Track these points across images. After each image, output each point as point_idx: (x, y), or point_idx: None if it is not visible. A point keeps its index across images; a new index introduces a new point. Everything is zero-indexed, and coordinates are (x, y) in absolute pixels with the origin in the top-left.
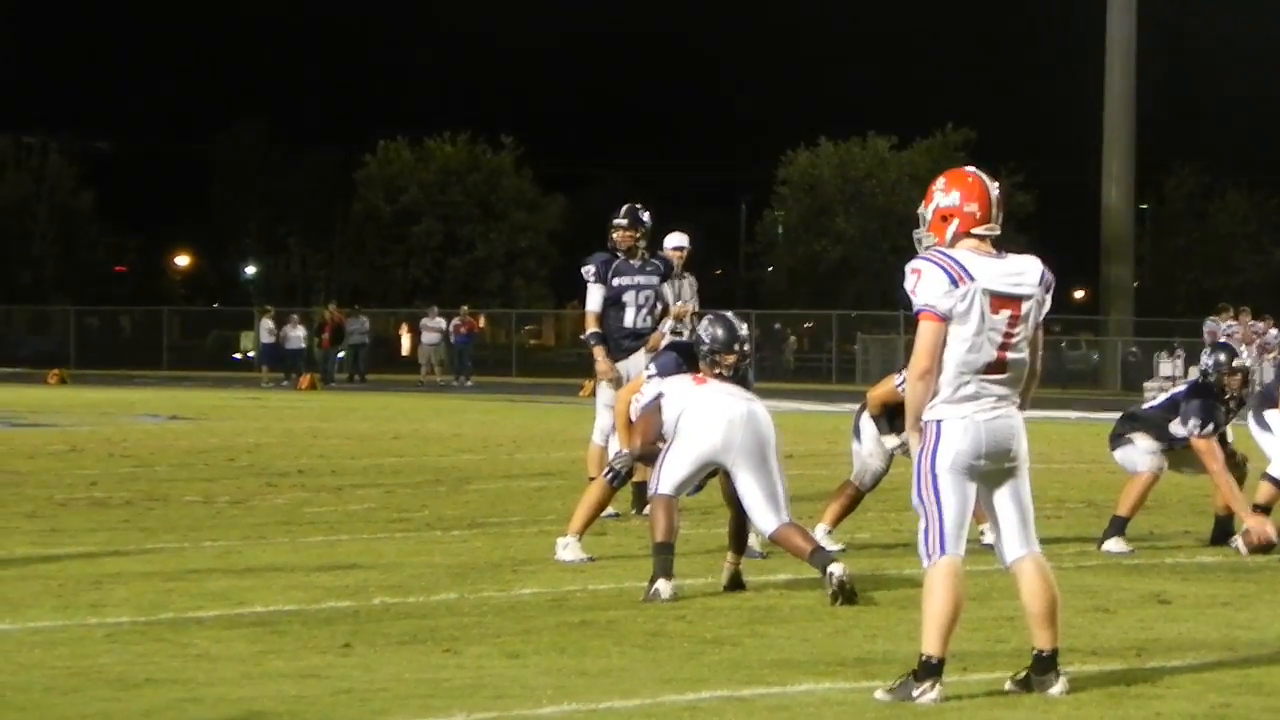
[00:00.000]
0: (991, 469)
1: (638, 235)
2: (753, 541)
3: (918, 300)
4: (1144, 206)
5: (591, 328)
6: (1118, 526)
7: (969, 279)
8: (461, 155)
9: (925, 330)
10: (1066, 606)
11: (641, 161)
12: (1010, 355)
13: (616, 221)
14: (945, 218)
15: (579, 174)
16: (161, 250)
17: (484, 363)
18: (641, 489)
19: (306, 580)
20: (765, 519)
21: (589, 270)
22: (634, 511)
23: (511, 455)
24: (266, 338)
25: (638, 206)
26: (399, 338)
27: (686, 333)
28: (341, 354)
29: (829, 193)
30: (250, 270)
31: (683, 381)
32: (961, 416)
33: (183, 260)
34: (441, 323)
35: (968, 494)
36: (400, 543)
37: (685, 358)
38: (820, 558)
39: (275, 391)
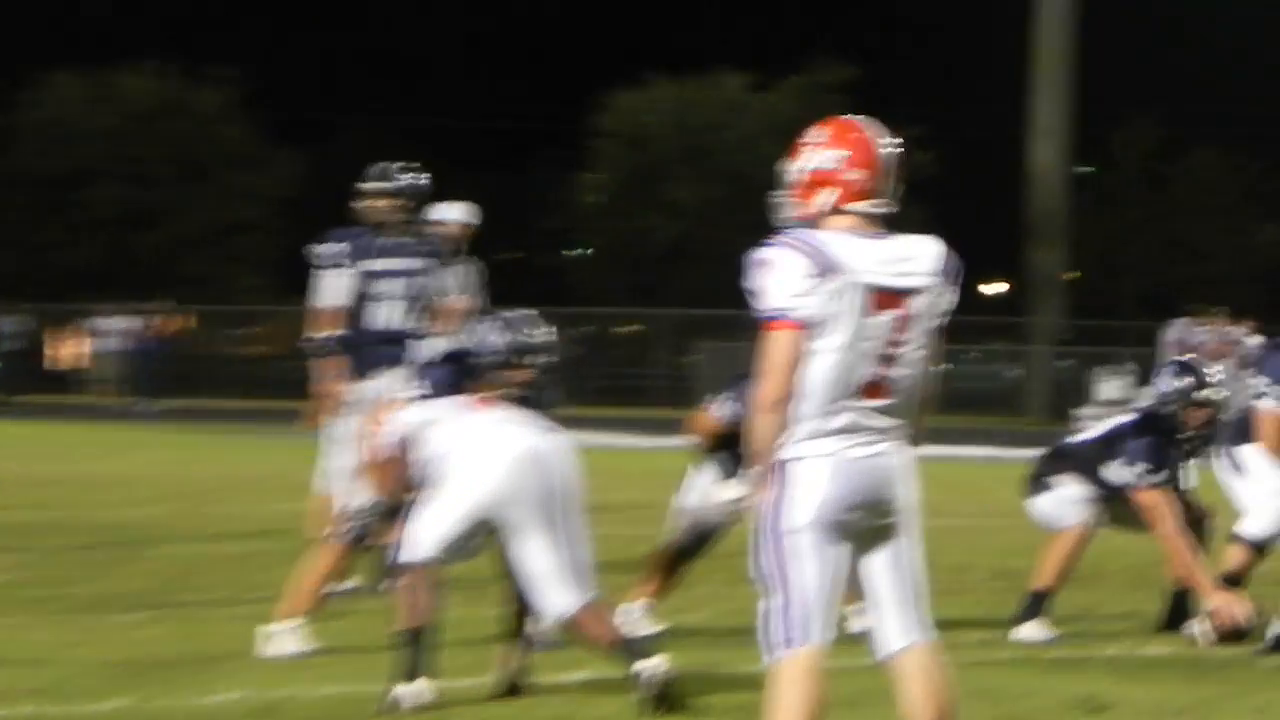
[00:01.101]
0: (866, 526)
1: (400, 205)
2: (540, 627)
3: (767, 302)
4: (1085, 170)
5: (325, 329)
6: (1036, 605)
7: (839, 271)
8: (154, 92)
9: (777, 343)
10: (967, 717)
11: (403, 105)
12: (896, 372)
13: (369, 186)
14: (817, 183)
15: (318, 121)
16: None
17: (182, 379)
18: (388, 554)
19: None
20: (558, 595)
21: (328, 251)
22: (378, 585)
23: (211, 508)
24: None
25: (400, 166)
26: (62, 344)
27: (467, 338)
28: None
29: (663, 149)
30: None
31: (453, 406)
32: (826, 454)
33: None
34: (122, 323)
35: (834, 560)
36: (54, 629)
37: (463, 372)
38: (631, 649)
39: None
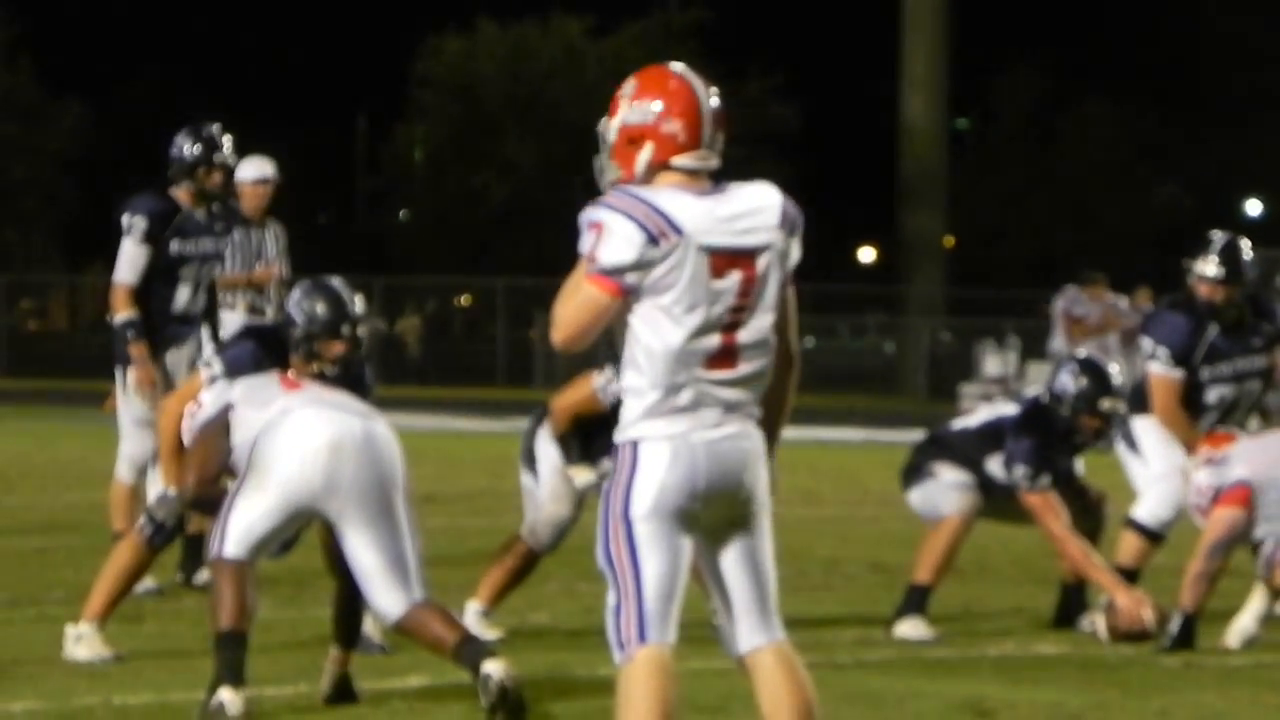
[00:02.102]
0: (714, 515)
1: (227, 179)
2: (369, 629)
3: (598, 265)
4: (962, 124)
5: (125, 311)
6: (916, 600)
7: (675, 233)
8: None
9: (590, 298)
10: None
11: (199, 49)
12: (744, 339)
13: (188, 152)
14: (633, 139)
15: (103, 70)
16: None
17: None
18: (197, 549)
19: None
20: (387, 595)
21: (137, 222)
22: (183, 581)
23: None
24: None
25: (215, 128)
26: None
27: (270, 310)
28: None
29: (494, 100)
30: None
31: (263, 385)
32: (670, 435)
33: None
34: None
35: (678, 551)
36: None
37: (268, 348)
38: (471, 653)
39: None
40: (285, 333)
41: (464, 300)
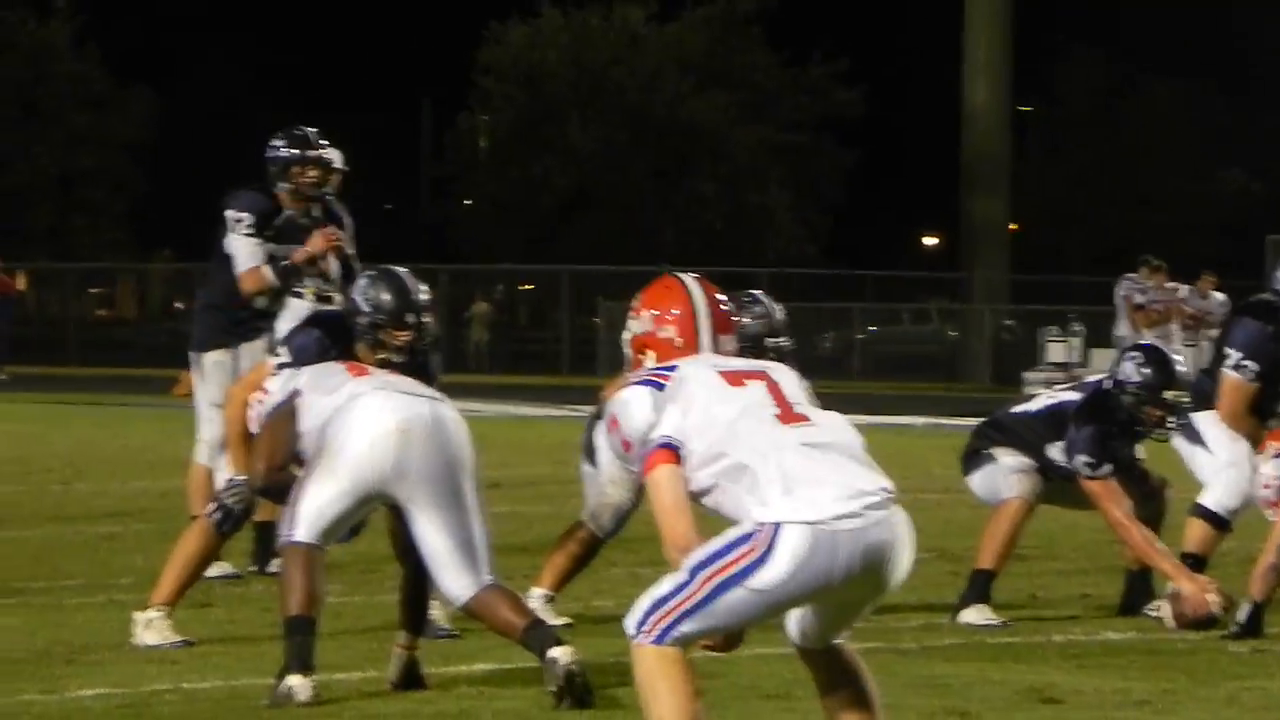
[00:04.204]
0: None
1: (318, 176)
2: (437, 614)
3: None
4: (1026, 109)
5: (265, 280)
6: (980, 586)
7: None
8: None
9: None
10: (910, 708)
11: (264, 38)
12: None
13: (283, 152)
14: (640, 349)
15: (170, 57)
16: None
17: (26, 345)
18: (267, 536)
19: None
20: (456, 579)
21: (244, 218)
22: (255, 568)
23: (67, 485)
24: None
25: (310, 130)
26: None
27: (336, 296)
28: None
29: (556, 88)
30: None
31: (330, 373)
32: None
33: None
34: None
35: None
36: None
37: (335, 336)
38: (538, 638)
39: None
40: (351, 320)
41: (527, 287)
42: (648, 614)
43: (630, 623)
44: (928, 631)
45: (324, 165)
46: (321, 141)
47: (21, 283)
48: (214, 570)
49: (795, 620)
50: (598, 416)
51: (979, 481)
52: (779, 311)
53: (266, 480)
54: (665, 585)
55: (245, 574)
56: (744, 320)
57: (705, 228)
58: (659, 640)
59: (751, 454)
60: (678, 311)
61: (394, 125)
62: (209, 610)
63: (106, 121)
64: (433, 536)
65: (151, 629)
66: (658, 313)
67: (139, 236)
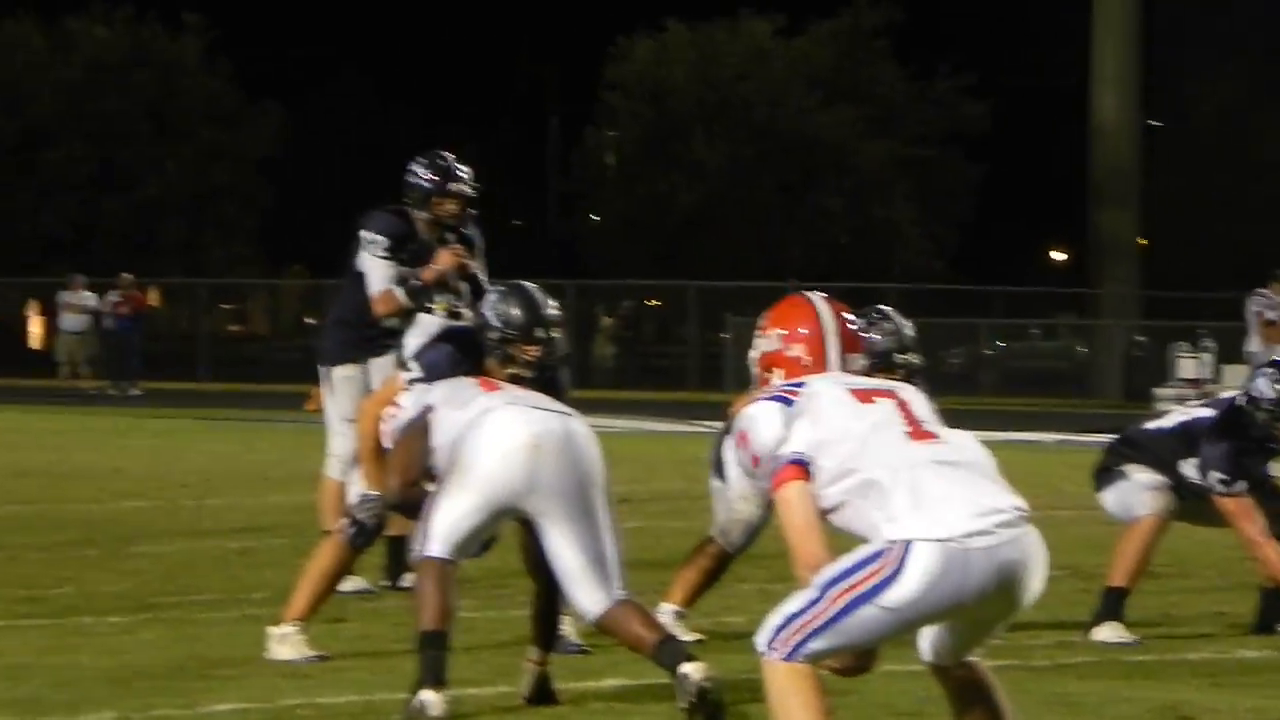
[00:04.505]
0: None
1: (457, 208)
2: (568, 630)
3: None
4: (1155, 125)
5: (397, 303)
6: (1113, 604)
7: None
8: (121, 42)
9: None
10: None
11: (396, 54)
12: None
13: (424, 180)
14: (768, 367)
15: (300, 72)
16: None
17: (158, 360)
18: (400, 551)
19: None
20: (589, 593)
21: (379, 240)
22: (388, 583)
23: (200, 501)
24: None
25: (451, 157)
26: (24, 321)
27: (466, 312)
28: None
29: (682, 103)
30: None
31: (462, 388)
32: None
33: None
34: (91, 298)
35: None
36: (29, 635)
37: (465, 351)
38: (670, 653)
39: None
40: (481, 336)
41: (654, 303)
42: (778, 631)
43: (761, 639)
44: (1060, 649)
45: (464, 197)
46: (460, 170)
47: (154, 298)
48: (347, 585)
49: (928, 638)
50: (727, 432)
51: (1112, 499)
52: (908, 327)
53: (400, 496)
54: (795, 602)
55: (378, 589)
56: (873, 336)
57: (831, 242)
58: (789, 657)
59: (882, 470)
60: (806, 330)
61: (522, 142)
62: (343, 625)
63: (237, 137)
64: (565, 551)
65: (286, 644)
66: (786, 331)
67: (270, 252)
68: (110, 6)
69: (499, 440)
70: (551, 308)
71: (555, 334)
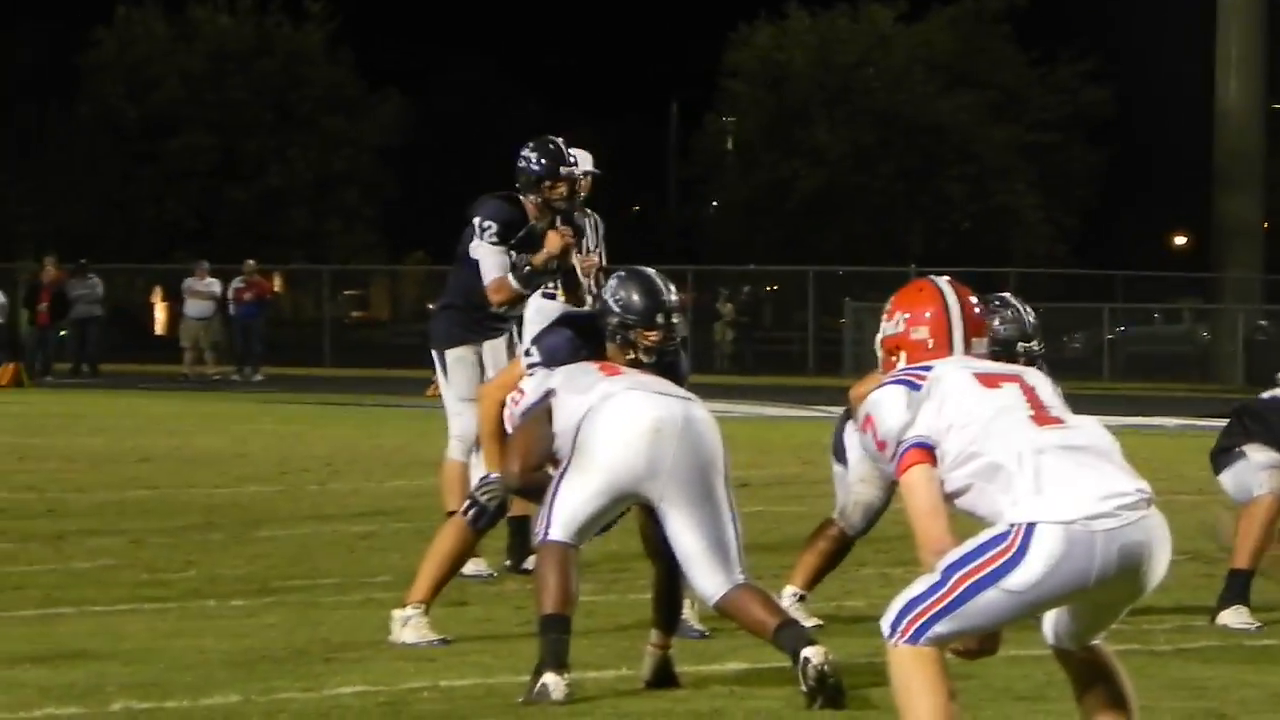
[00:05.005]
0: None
1: (567, 190)
2: (688, 614)
3: None
4: (1279, 108)
5: (511, 290)
6: (1238, 587)
7: None
8: (244, 31)
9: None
10: (1167, 709)
11: (513, 42)
12: None
13: (535, 164)
14: (891, 350)
15: (422, 61)
16: None
17: (281, 346)
18: (522, 533)
19: (9, 677)
20: (709, 577)
21: (489, 227)
22: (510, 567)
23: (323, 485)
24: None
25: (560, 141)
26: (150, 308)
27: (590, 298)
28: (63, 333)
29: (803, 88)
30: None
31: (583, 373)
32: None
33: None
34: (215, 285)
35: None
36: (153, 618)
37: (585, 337)
38: (791, 637)
39: None
40: (601, 321)
41: (772, 288)
42: (902, 615)
43: (885, 623)
44: (1182, 633)
45: (573, 181)
46: (571, 154)
47: (277, 285)
48: (469, 568)
49: (1051, 621)
50: (847, 416)
51: (1230, 479)
52: (1030, 315)
53: (520, 481)
54: (919, 586)
55: (500, 572)
56: (995, 324)
57: (953, 228)
58: (913, 640)
59: (1006, 453)
60: (931, 313)
61: (643, 128)
62: (465, 608)
63: (359, 125)
64: (685, 535)
65: (409, 627)
66: (910, 315)
67: (391, 239)
68: None
69: (621, 425)
70: (671, 293)
71: (675, 319)
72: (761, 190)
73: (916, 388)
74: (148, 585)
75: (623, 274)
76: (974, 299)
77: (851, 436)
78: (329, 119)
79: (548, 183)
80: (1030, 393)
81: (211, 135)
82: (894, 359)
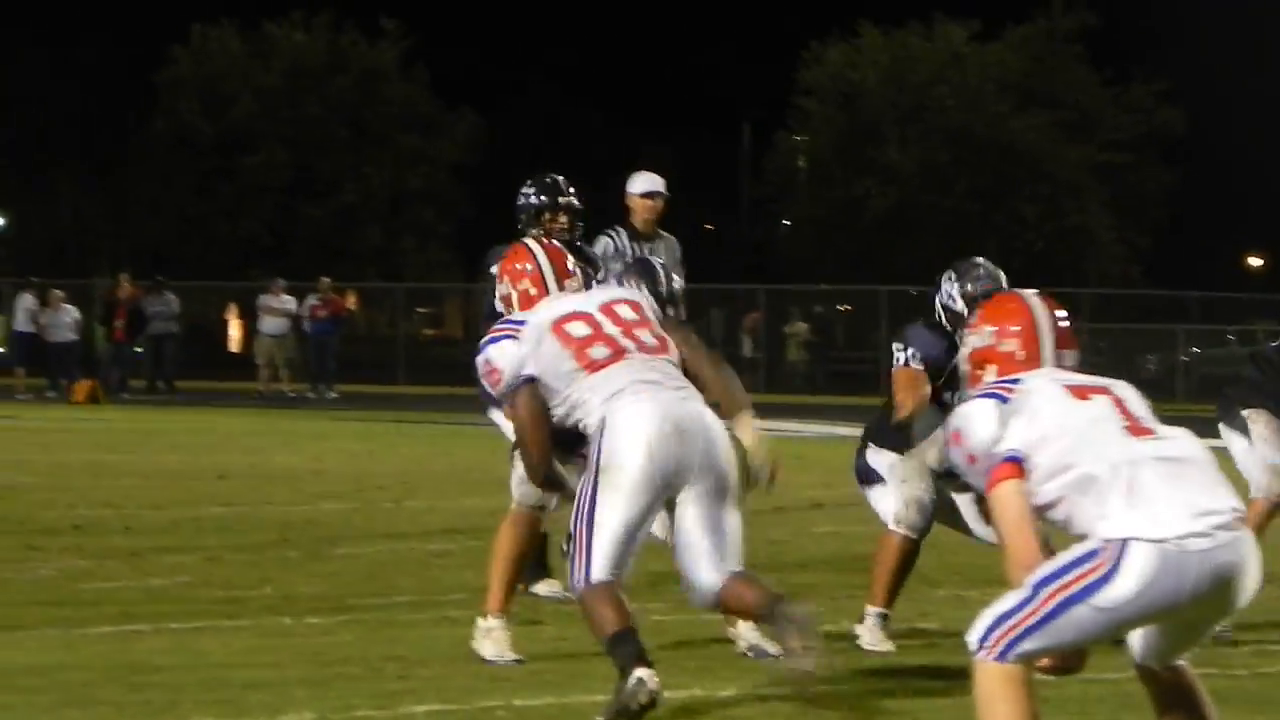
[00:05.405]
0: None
1: (568, 221)
2: (757, 636)
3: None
4: None
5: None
6: None
7: None
8: (319, 48)
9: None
10: None
11: (587, 61)
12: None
13: (533, 199)
14: (979, 364)
15: (497, 78)
16: None
17: (356, 364)
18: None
19: (85, 694)
20: (707, 571)
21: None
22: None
23: (398, 503)
24: (24, 324)
25: (559, 177)
26: (225, 325)
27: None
28: (138, 350)
29: (876, 107)
30: None
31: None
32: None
33: None
34: (291, 303)
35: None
36: (229, 636)
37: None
38: (780, 614)
39: (36, 405)
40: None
41: (844, 307)
42: (990, 630)
43: (972, 638)
44: (1260, 657)
45: (574, 212)
46: (570, 189)
47: (351, 302)
48: (543, 589)
49: (1139, 639)
50: (863, 445)
51: (1238, 448)
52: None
53: (543, 468)
54: (1008, 601)
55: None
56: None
57: (1026, 248)
58: (1001, 657)
59: (1101, 465)
60: (1019, 326)
61: (715, 146)
62: (540, 628)
63: (434, 143)
64: (693, 528)
65: (490, 639)
66: (999, 328)
67: (466, 256)
68: (310, 13)
69: (643, 431)
70: (675, 282)
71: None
72: (834, 209)
73: (1006, 401)
74: (224, 602)
75: (626, 262)
76: (1061, 312)
77: (874, 456)
78: (404, 136)
79: (548, 215)
80: (1120, 404)
81: (286, 152)
82: (981, 373)
